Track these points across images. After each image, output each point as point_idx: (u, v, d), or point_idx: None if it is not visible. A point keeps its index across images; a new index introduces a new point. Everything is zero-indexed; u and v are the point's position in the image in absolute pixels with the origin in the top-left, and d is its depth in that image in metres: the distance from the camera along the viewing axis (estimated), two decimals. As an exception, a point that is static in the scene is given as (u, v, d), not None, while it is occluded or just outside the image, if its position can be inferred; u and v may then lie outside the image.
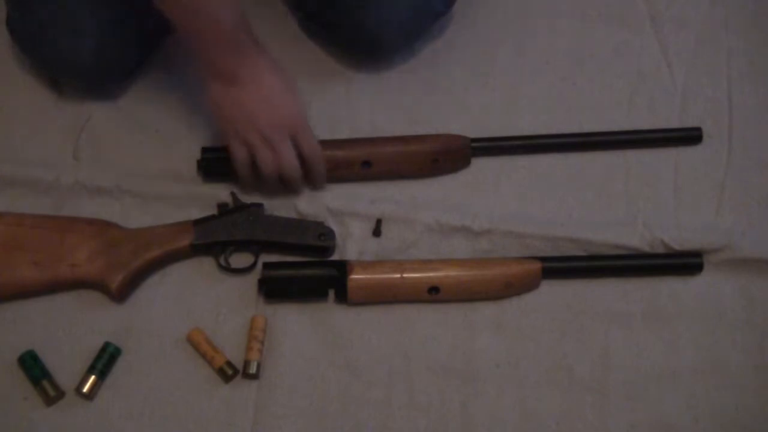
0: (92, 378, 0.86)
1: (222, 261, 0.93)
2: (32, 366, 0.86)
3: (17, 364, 0.87)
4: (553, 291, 0.94)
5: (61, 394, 0.86)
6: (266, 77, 0.89)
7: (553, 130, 1.04)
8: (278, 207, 0.96)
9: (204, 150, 0.97)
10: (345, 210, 0.97)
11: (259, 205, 0.94)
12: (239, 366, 0.88)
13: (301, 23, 1.10)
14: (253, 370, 0.88)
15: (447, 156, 0.99)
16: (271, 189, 0.96)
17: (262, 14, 1.09)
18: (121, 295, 0.90)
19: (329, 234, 0.94)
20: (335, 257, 0.95)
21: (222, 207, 0.94)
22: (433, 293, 0.91)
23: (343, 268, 0.91)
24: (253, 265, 0.93)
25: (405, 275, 0.91)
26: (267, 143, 0.90)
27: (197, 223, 0.93)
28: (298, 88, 0.93)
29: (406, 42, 1.06)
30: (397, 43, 1.05)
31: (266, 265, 0.92)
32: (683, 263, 0.95)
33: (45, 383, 0.86)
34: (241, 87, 0.88)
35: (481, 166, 1.02)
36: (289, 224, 0.94)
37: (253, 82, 0.88)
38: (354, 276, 0.90)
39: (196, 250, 0.92)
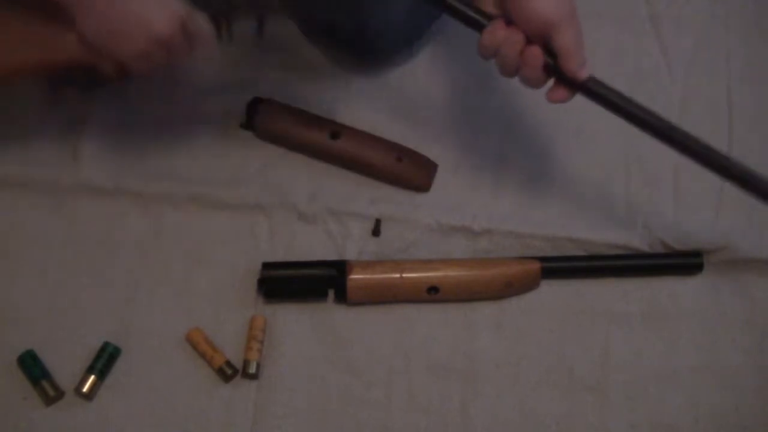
0: (92, 378, 0.86)
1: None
2: (32, 366, 0.86)
3: (17, 364, 0.87)
4: (553, 291, 0.94)
5: (60, 394, 0.86)
6: None
7: (553, 130, 1.04)
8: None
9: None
10: (345, 210, 0.97)
11: None
12: (239, 366, 0.88)
13: (300, 25, 1.10)
14: (252, 370, 0.88)
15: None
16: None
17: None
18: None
19: None
20: (335, 257, 0.95)
21: None
22: (433, 293, 0.91)
23: (342, 268, 0.91)
24: (261, 30, 0.87)
25: (404, 275, 0.91)
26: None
27: None
28: None
29: (404, 42, 1.06)
30: (396, 44, 1.05)
31: (266, 265, 0.92)
32: (683, 263, 0.95)
33: (44, 383, 0.85)
34: None
35: (481, 165, 1.02)
36: None
37: None
38: (353, 276, 0.90)
39: None
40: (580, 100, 1.07)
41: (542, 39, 0.77)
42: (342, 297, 0.91)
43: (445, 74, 1.09)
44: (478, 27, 0.79)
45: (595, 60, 1.11)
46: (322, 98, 1.05)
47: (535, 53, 0.77)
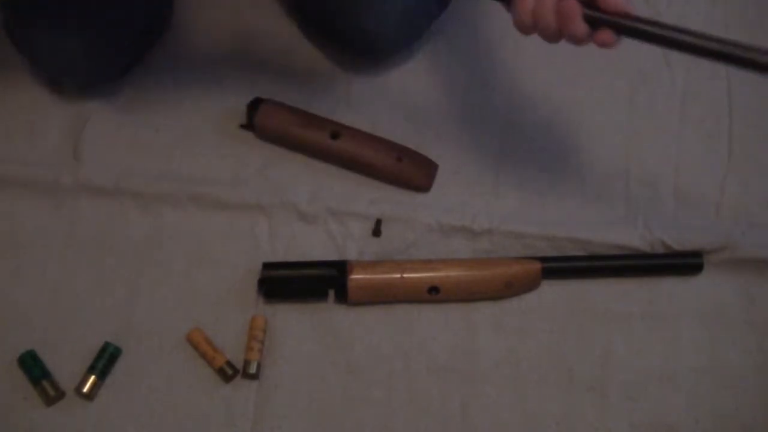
0: (92, 378, 0.86)
1: None
2: (32, 366, 0.86)
3: (17, 364, 0.87)
4: (553, 291, 0.94)
5: (61, 394, 0.86)
6: None
7: (553, 130, 1.05)
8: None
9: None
10: (345, 210, 0.97)
11: None
12: (239, 366, 0.88)
13: (299, 25, 1.10)
14: (253, 370, 0.88)
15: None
16: None
17: (260, 17, 1.10)
18: None
19: None
20: (335, 257, 0.95)
21: None
22: (433, 293, 0.91)
23: (343, 268, 0.91)
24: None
25: (405, 275, 0.91)
26: None
27: None
28: None
29: (403, 43, 1.06)
30: (395, 44, 1.05)
31: (266, 266, 0.92)
32: (683, 263, 0.95)
33: (45, 383, 0.85)
34: None
35: (481, 165, 1.02)
36: None
37: None
38: (354, 276, 0.90)
39: None
40: (579, 98, 1.08)
41: None
42: (342, 297, 0.91)
43: (445, 74, 1.09)
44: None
45: (595, 60, 1.12)
46: (322, 98, 1.05)
47: (571, 5, 0.72)
